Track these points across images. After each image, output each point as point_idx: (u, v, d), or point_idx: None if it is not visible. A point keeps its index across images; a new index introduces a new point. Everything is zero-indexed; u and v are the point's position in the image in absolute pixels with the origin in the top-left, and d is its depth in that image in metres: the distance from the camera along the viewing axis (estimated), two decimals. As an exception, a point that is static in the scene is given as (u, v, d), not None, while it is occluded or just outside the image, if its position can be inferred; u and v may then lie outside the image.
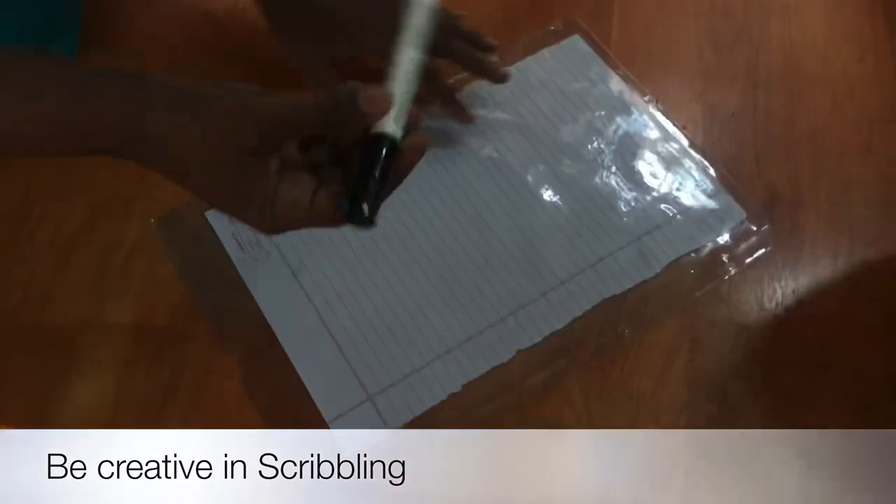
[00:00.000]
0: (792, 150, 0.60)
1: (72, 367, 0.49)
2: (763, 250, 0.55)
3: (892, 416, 0.49)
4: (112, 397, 0.49)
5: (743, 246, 0.55)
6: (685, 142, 0.59)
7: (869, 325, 0.52)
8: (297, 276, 0.52)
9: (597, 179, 0.57)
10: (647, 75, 0.62)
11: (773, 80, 0.63)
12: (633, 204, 0.56)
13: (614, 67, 0.62)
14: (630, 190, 0.57)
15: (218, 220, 0.54)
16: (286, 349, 0.50)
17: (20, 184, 0.56)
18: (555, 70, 0.62)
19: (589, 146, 0.59)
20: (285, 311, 0.51)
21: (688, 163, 0.58)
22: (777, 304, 0.53)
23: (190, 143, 0.37)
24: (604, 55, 0.63)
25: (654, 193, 0.57)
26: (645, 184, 0.57)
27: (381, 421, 0.48)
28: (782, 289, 0.54)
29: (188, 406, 0.48)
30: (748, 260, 0.54)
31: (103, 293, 0.52)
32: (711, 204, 0.56)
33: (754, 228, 0.55)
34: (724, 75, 0.63)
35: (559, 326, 0.52)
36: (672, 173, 0.58)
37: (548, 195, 0.57)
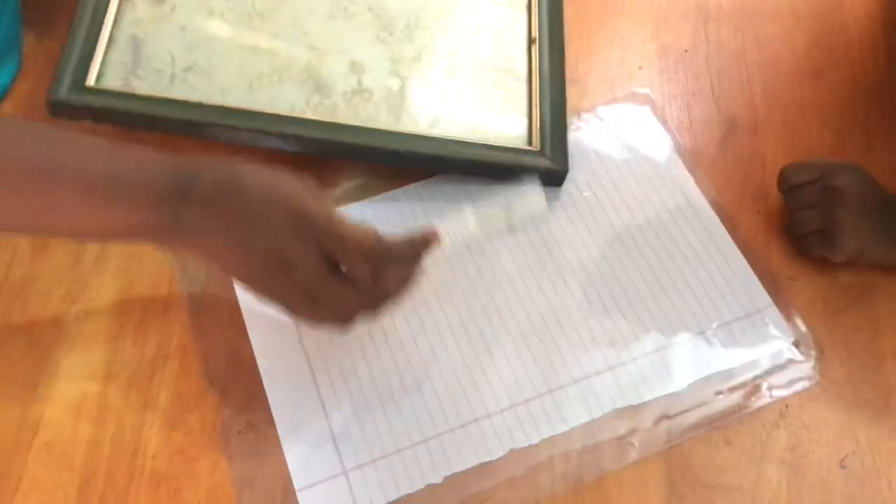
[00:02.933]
0: (746, 81, 0.62)
1: (58, 343, 0.50)
2: (805, 384, 0.49)
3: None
4: (102, 371, 0.49)
5: (783, 375, 0.50)
6: (737, 253, 0.54)
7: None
8: (298, 326, 0.50)
9: (629, 274, 0.53)
10: (601, 20, 0.64)
11: (722, 14, 0.65)
12: (666, 308, 0.52)
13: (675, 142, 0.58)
14: (665, 292, 0.52)
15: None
16: (270, 400, 0.48)
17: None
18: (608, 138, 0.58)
19: (628, 238, 0.54)
20: (278, 359, 0.49)
21: (735, 272, 0.53)
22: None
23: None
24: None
25: (692, 301, 0.52)
26: (684, 289, 0.52)
27: (351, 499, 0.45)
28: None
29: (178, 371, 0.49)
30: (786, 393, 0.49)
31: (84, 271, 0.53)
32: (755, 321, 0.51)
33: (800, 358, 0.50)
34: (676, 14, 0.65)
35: (563, 430, 0.47)
36: (715, 283, 0.52)
37: (573, 282, 0.53)
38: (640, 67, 0.62)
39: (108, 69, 0.55)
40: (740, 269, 0.53)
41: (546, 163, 0.55)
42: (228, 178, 0.42)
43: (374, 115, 0.56)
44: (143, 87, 0.55)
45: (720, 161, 0.58)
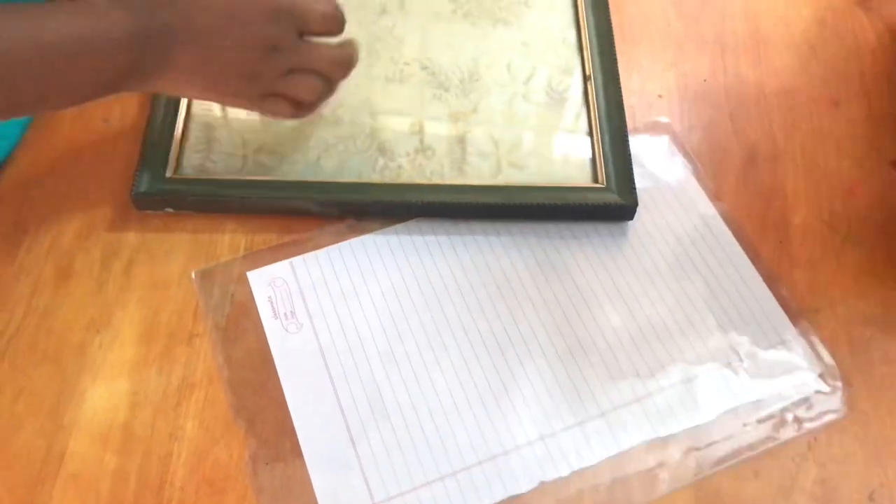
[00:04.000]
0: (765, 110, 0.62)
1: (83, 372, 0.50)
2: (833, 416, 0.49)
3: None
4: (127, 400, 0.49)
5: (810, 407, 0.49)
6: (760, 283, 0.54)
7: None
8: (325, 356, 0.51)
9: (654, 304, 0.53)
10: (620, 49, 0.64)
11: (739, 44, 0.66)
12: (692, 338, 0.52)
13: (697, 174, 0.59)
14: (691, 322, 0.52)
15: (256, 281, 0.53)
16: (298, 432, 0.48)
17: (12, 209, 0.56)
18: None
19: (655, 261, 0.55)
20: (305, 390, 0.49)
21: (759, 302, 0.53)
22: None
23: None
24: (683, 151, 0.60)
25: (717, 332, 0.52)
26: (709, 319, 0.52)
27: None
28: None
29: (204, 402, 0.49)
30: (813, 425, 0.49)
31: (108, 299, 0.52)
32: (780, 353, 0.51)
33: (826, 390, 0.50)
34: (693, 43, 0.66)
35: (592, 462, 0.47)
36: (740, 313, 0.53)
37: (598, 311, 0.53)
38: (659, 96, 0.63)
39: (184, 159, 0.57)
40: (764, 300, 0.53)
41: (615, 198, 0.55)
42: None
43: (438, 172, 0.57)
44: (217, 170, 0.56)
45: (741, 191, 0.58)
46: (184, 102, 0.59)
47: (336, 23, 0.51)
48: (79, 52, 0.44)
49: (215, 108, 0.59)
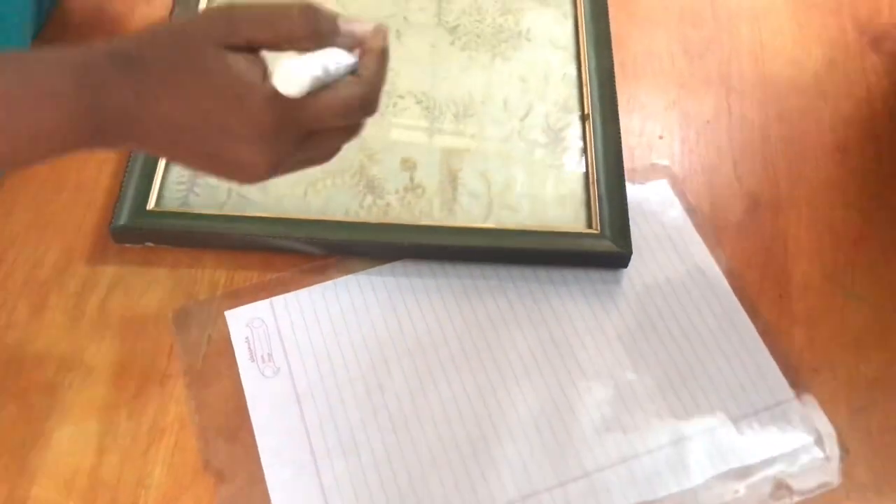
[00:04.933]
0: (769, 155, 0.60)
1: (52, 413, 0.48)
2: (828, 486, 0.47)
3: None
4: (95, 443, 0.47)
5: (804, 474, 0.47)
6: (757, 340, 0.52)
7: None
8: (301, 404, 0.49)
9: (644, 358, 0.51)
10: (622, 85, 0.62)
11: (745, 85, 0.64)
12: (683, 397, 0.49)
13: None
14: (683, 380, 0.50)
15: (235, 321, 0.51)
16: (268, 483, 0.46)
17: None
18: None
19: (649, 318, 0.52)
20: (279, 440, 0.47)
21: (755, 360, 0.51)
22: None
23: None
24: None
25: (710, 390, 0.50)
26: (702, 377, 0.50)
27: None
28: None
29: (174, 447, 0.47)
30: (807, 494, 0.46)
31: (81, 336, 0.51)
32: (776, 415, 0.49)
33: (822, 457, 0.48)
34: (698, 83, 0.64)
35: None
36: (734, 371, 0.51)
37: (587, 364, 0.51)
38: (660, 137, 0.61)
39: (166, 191, 0.55)
40: (761, 358, 0.51)
41: (609, 245, 0.53)
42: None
43: (427, 211, 0.55)
44: (200, 203, 0.55)
45: (741, 240, 0.56)
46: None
47: (364, 110, 0.40)
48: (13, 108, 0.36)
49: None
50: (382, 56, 0.40)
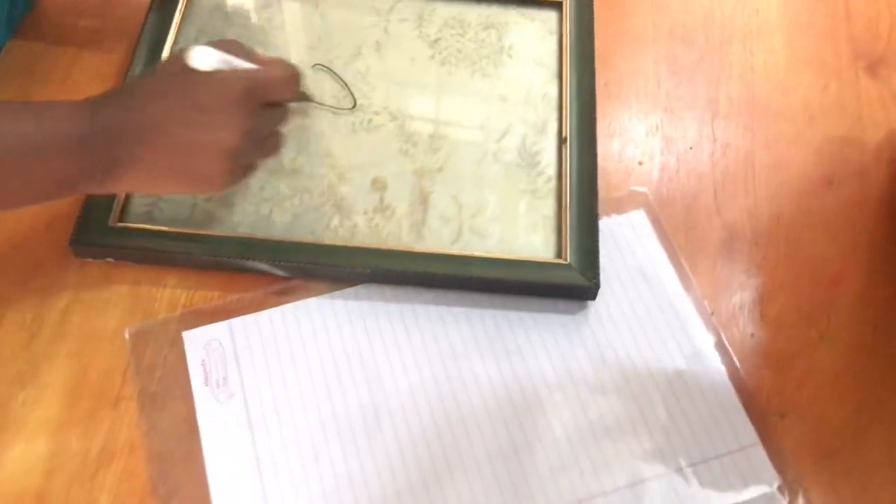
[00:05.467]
0: (752, 184, 0.58)
1: (2, 431, 0.48)
2: None
3: None
4: (44, 465, 0.47)
5: None
6: (725, 380, 0.50)
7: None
8: (253, 431, 0.48)
9: (606, 395, 0.50)
10: (605, 107, 0.61)
11: (732, 110, 0.62)
12: (643, 437, 0.48)
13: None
14: (644, 418, 0.49)
15: (192, 342, 0.50)
16: None
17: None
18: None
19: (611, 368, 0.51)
20: (229, 468, 0.47)
21: (721, 402, 0.50)
22: None
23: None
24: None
25: (672, 431, 0.48)
26: (664, 416, 0.49)
27: None
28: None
29: (122, 473, 0.47)
30: None
31: (38, 351, 0.50)
32: (738, 461, 0.48)
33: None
34: (683, 106, 0.62)
35: None
36: (699, 412, 0.49)
37: (546, 399, 0.49)
38: (640, 163, 0.59)
39: (130, 206, 0.54)
40: (727, 400, 0.50)
41: (577, 278, 0.52)
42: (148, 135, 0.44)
43: (395, 234, 0.54)
44: (164, 219, 0.54)
45: (716, 273, 0.54)
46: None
47: (294, 85, 0.49)
48: (18, 156, 0.42)
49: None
50: (286, 62, 0.51)
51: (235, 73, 0.46)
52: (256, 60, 0.48)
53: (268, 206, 0.55)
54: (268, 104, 0.47)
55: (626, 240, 0.55)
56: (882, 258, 0.55)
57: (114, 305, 0.52)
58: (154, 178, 0.45)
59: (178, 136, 0.44)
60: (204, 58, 0.46)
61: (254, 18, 0.63)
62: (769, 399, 0.50)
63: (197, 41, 0.61)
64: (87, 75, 0.61)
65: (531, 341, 0.52)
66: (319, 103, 0.58)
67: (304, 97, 0.58)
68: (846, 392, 0.51)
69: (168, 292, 0.53)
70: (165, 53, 0.59)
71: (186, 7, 0.63)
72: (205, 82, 0.45)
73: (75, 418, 0.48)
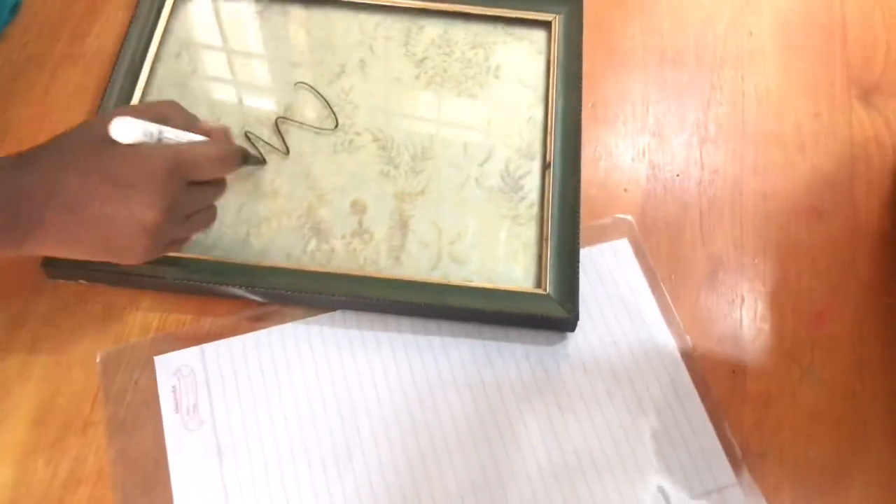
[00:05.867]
0: (739, 213, 0.57)
1: (-32, 457, 0.47)
2: None
3: None
4: (8, 493, 0.46)
5: None
6: (704, 418, 0.49)
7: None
8: (222, 461, 0.47)
9: (583, 429, 0.49)
10: (590, 131, 0.60)
11: (721, 135, 0.60)
12: (618, 474, 0.47)
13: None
14: (619, 455, 0.48)
15: (163, 368, 0.50)
16: None
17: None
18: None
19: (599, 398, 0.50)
20: (196, 498, 0.46)
21: (700, 441, 0.49)
22: None
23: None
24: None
25: (648, 469, 0.48)
26: (640, 453, 0.48)
27: None
28: None
29: (88, 501, 0.46)
30: None
31: (8, 375, 0.50)
32: (713, 502, 0.47)
33: None
34: (671, 131, 0.61)
35: None
36: (675, 450, 0.48)
37: (522, 433, 0.49)
38: (625, 190, 0.58)
39: None
40: (706, 438, 0.49)
41: (556, 309, 0.51)
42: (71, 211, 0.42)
43: (373, 259, 0.53)
44: None
45: (699, 307, 0.53)
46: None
47: (228, 164, 0.47)
48: None
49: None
50: (227, 135, 0.49)
51: (159, 149, 0.43)
52: (197, 129, 0.46)
53: (245, 228, 0.54)
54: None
55: (609, 269, 0.54)
56: (869, 295, 0.54)
57: (85, 327, 0.51)
58: (71, 246, 0.43)
59: (94, 211, 0.42)
60: (126, 129, 0.43)
61: (236, 34, 0.62)
62: (749, 438, 0.49)
63: (178, 58, 0.61)
64: (67, 90, 0.60)
65: (508, 373, 0.51)
66: (264, 162, 0.56)
67: (256, 161, 0.55)
68: (828, 433, 0.50)
69: (141, 315, 0.52)
70: (145, 72, 0.59)
71: (168, 23, 0.62)
72: (124, 157, 0.42)
73: (42, 444, 0.48)
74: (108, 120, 0.42)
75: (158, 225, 0.43)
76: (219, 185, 0.48)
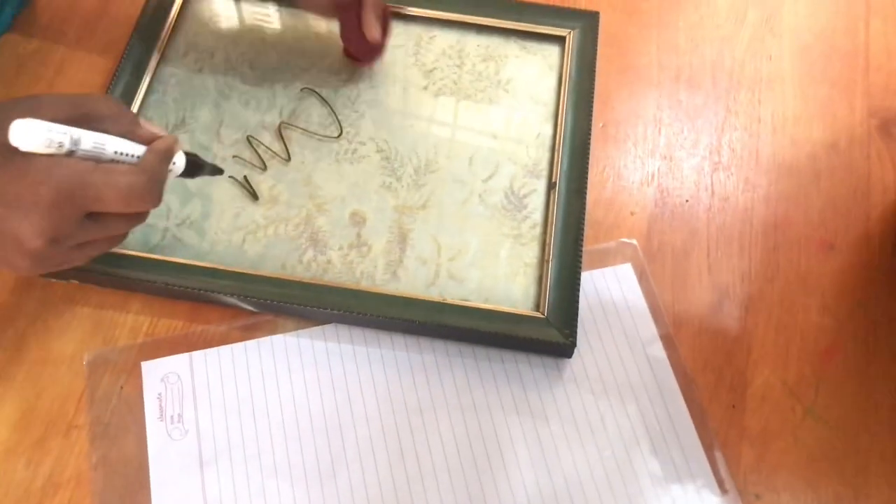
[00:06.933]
0: (748, 243, 0.56)
1: (-51, 455, 0.47)
2: None
3: None
4: (-12, 491, 0.46)
5: None
6: (701, 455, 0.48)
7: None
8: (204, 473, 0.46)
9: (575, 459, 0.48)
10: (600, 152, 0.58)
11: (734, 161, 0.59)
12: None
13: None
14: (611, 488, 0.47)
15: (150, 374, 0.49)
16: None
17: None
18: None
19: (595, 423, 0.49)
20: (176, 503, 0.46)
21: (694, 479, 0.47)
22: None
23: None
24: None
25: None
26: (632, 486, 0.47)
27: None
28: None
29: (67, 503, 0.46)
30: None
31: (-7, 372, 0.49)
32: None
33: None
34: (683, 155, 0.59)
35: None
36: (668, 487, 0.47)
37: (517, 458, 0.47)
38: (632, 213, 0.56)
39: None
40: (701, 476, 0.47)
41: (553, 334, 0.49)
42: None
43: (369, 273, 0.52)
44: (133, 241, 0.52)
45: (701, 338, 0.52)
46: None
47: (143, 199, 0.40)
48: None
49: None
50: (165, 156, 0.42)
51: (59, 167, 0.38)
52: (135, 136, 0.41)
53: (241, 234, 0.53)
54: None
55: (610, 294, 0.53)
56: (878, 333, 0.52)
57: (74, 328, 0.51)
58: None
59: None
60: (27, 135, 0.36)
61: (244, 36, 0.62)
62: (745, 478, 0.48)
63: (185, 56, 0.60)
64: (72, 85, 0.59)
65: (501, 398, 0.49)
66: (220, 172, 0.50)
67: (212, 171, 0.49)
68: (827, 476, 0.48)
69: (131, 318, 0.51)
70: (151, 69, 0.58)
71: (177, 18, 0.61)
72: (16, 171, 0.37)
73: (24, 445, 0.47)
74: (11, 124, 0.37)
75: (40, 252, 0.39)
76: (132, 217, 0.42)
